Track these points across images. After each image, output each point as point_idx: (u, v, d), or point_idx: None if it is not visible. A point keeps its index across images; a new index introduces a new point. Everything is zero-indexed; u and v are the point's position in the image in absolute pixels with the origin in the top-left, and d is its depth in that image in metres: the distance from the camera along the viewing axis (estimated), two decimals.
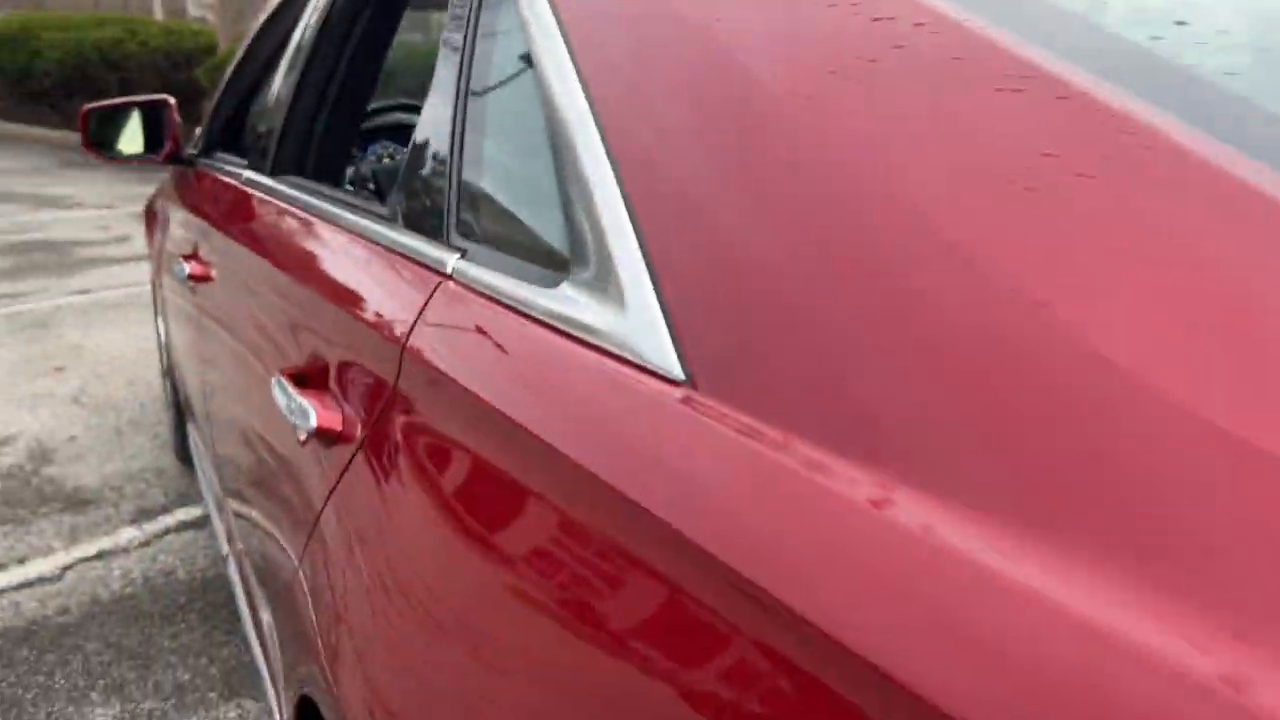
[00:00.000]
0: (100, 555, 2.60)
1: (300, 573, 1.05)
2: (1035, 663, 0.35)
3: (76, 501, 2.89)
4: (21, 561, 2.56)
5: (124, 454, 3.22)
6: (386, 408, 0.86)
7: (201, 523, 2.76)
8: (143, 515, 2.82)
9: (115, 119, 2.38)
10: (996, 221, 0.47)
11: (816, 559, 0.44)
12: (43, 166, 9.65)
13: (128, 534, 2.71)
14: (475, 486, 0.72)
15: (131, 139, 2.42)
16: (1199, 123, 0.47)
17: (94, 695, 2.04)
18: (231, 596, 2.03)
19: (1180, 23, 0.61)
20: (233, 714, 1.99)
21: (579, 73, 0.73)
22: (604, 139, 0.68)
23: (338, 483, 0.93)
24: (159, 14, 15.71)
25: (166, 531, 2.73)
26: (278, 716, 1.25)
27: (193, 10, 14.98)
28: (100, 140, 2.37)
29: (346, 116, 1.57)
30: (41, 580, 2.48)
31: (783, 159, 0.56)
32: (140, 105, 2.39)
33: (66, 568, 2.54)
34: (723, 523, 0.49)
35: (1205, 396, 0.37)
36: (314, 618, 0.97)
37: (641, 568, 0.53)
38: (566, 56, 0.75)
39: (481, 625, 0.67)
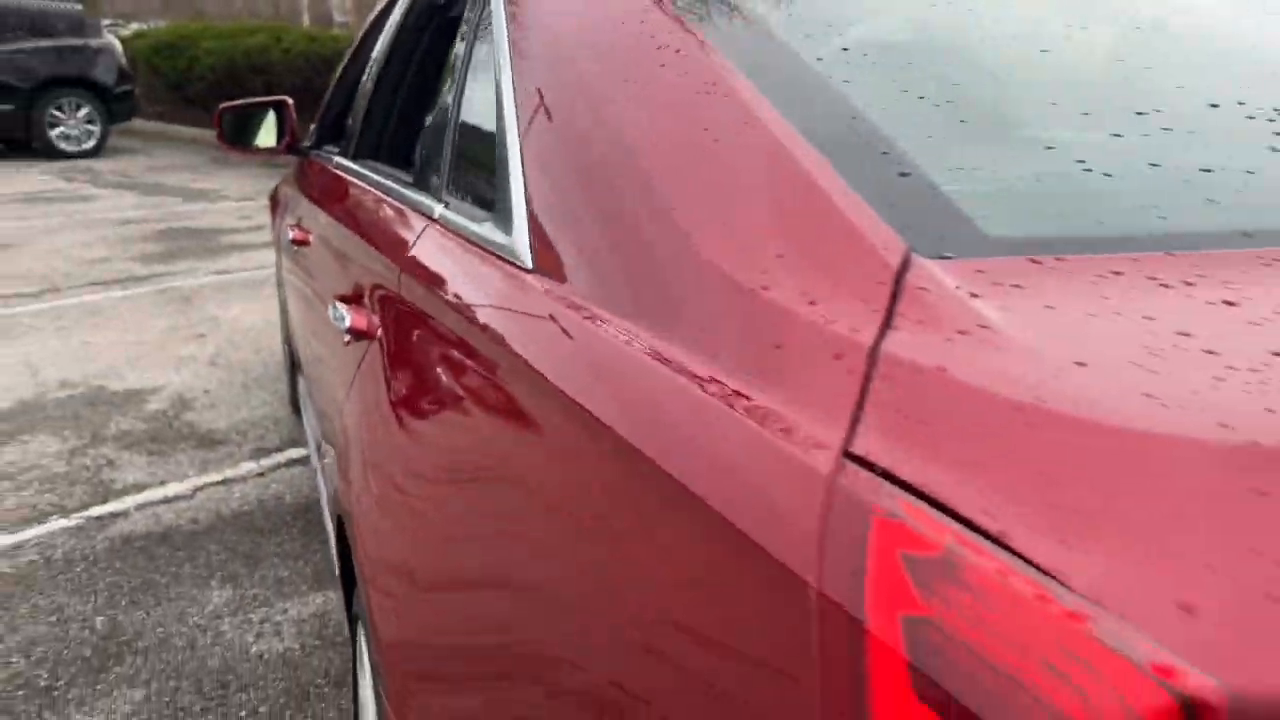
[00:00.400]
0: (224, 482, 3.11)
1: (339, 436, 1.46)
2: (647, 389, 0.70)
3: (208, 441, 3.42)
4: (162, 483, 3.09)
5: (249, 405, 3.75)
6: (391, 307, 1.26)
7: (306, 460, 3.24)
8: (260, 453, 3.32)
9: (244, 117, 2.87)
10: (671, 165, 0.82)
11: (576, 359, 0.80)
12: (195, 164, 10.57)
13: (247, 466, 3.22)
14: (431, 345, 1.11)
15: (257, 134, 2.91)
16: (791, 114, 0.81)
17: (213, 582, 2.53)
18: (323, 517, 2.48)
19: (845, 48, 0.95)
20: (319, 599, 2.44)
21: (515, 101, 1.10)
22: (520, 146, 1.05)
23: (359, 367, 1.34)
24: (306, 21, 16.71)
25: (279, 466, 3.23)
26: (331, 538, 1.67)
27: (338, 17, 15.94)
28: (232, 135, 2.86)
29: (410, 112, 1.99)
30: (177, 498, 3.00)
31: (592, 161, 0.93)
32: (265, 105, 2.87)
33: (197, 489, 3.05)
34: (535, 334, 0.86)
35: (731, 247, 0.72)
36: (342, 459, 1.38)
37: (494, 369, 0.91)
38: (510, 88, 1.13)
39: (419, 448, 1.06)
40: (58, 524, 2.83)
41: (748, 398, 0.62)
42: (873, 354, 0.58)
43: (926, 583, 0.47)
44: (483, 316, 0.98)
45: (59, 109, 10.81)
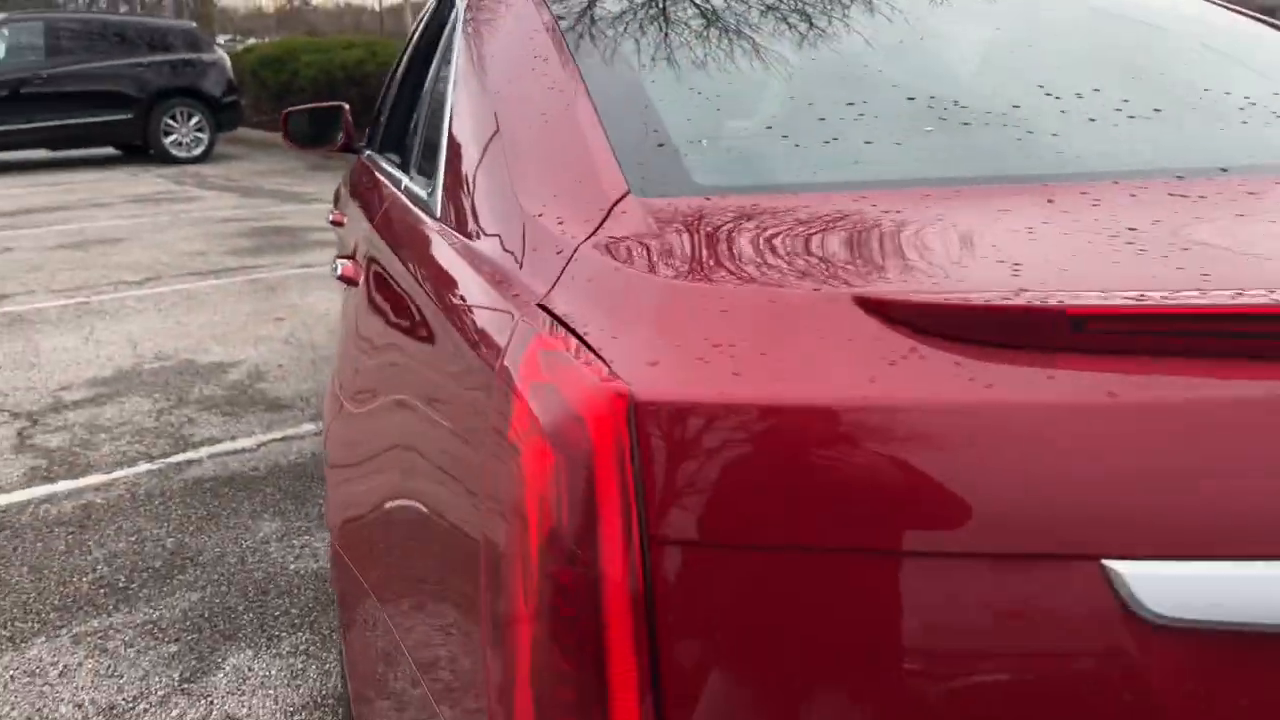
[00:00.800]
0: (285, 439, 3.55)
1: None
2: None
3: (275, 405, 3.88)
4: (233, 438, 3.55)
5: (315, 378, 4.21)
6: (366, 254, 1.64)
7: None
8: (319, 417, 3.76)
9: (307, 120, 3.31)
10: (516, 144, 1.17)
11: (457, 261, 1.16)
12: (293, 169, 11.27)
13: (306, 427, 3.66)
14: (378, 277, 1.48)
15: (321, 135, 3.34)
16: (603, 105, 1.15)
17: (265, 515, 2.96)
18: None
19: (666, 59, 1.28)
20: None
21: (452, 100, 1.47)
22: (450, 132, 1.41)
23: (343, 308, 1.72)
24: None
25: None
26: None
27: None
28: (295, 135, 3.30)
29: (408, 111, 2.37)
30: (244, 450, 3.45)
31: (476, 142, 1.28)
32: (324, 110, 3.30)
33: (261, 444, 3.50)
34: (428, 255, 1.22)
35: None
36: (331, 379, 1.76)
37: (402, 283, 1.28)
38: (452, 91, 1.49)
39: (359, 358, 1.43)
40: (143, 467, 3.31)
41: (507, 277, 0.97)
42: (575, 250, 0.93)
43: (550, 365, 0.81)
44: (405, 247, 1.35)
45: (172, 118, 11.65)
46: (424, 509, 1.03)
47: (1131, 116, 1.15)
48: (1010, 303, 0.72)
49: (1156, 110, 1.16)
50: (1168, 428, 0.68)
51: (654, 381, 0.73)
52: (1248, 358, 0.69)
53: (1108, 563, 0.67)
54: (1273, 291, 0.70)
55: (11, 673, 2.23)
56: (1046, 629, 0.69)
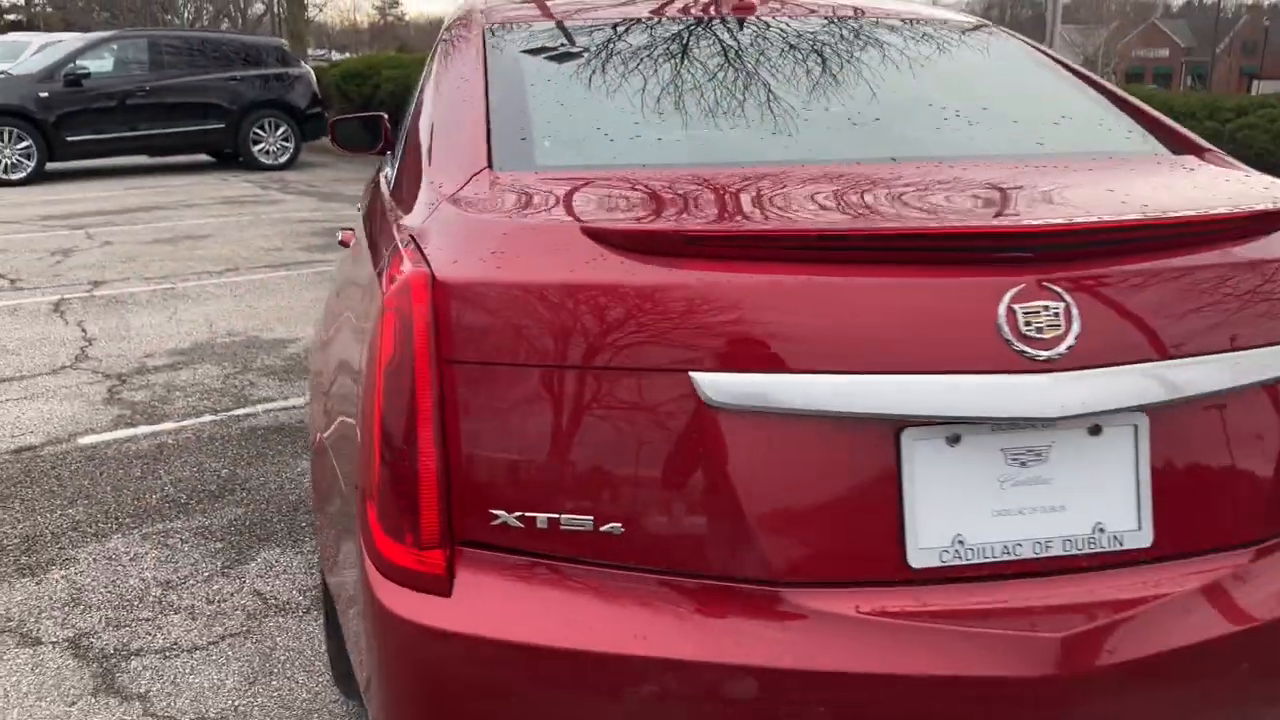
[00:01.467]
0: None
1: None
2: None
3: None
4: (286, 398, 4.15)
5: None
6: (356, 226, 2.18)
7: None
8: None
9: (356, 127, 3.89)
10: (437, 138, 1.70)
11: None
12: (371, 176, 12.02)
13: None
14: (355, 241, 2.02)
15: (364, 139, 3.92)
16: (494, 114, 1.66)
17: (305, 456, 3.53)
18: None
19: (548, 80, 1.79)
20: None
21: (416, 107, 2.00)
22: (410, 131, 1.95)
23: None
24: None
25: None
26: None
27: None
28: (342, 140, 3.88)
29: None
30: (292, 408, 4.04)
31: (416, 136, 1.81)
32: (367, 118, 3.88)
33: (308, 403, 4.09)
34: (381, 214, 1.76)
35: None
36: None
37: (363, 243, 1.81)
38: (418, 100, 2.02)
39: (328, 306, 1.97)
40: (208, 418, 3.92)
41: (405, 224, 1.49)
42: (441, 202, 1.45)
43: (400, 266, 1.32)
44: (370, 218, 1.89)
45: (261, 128, 12.53)
46: (347, 374, 1.56)
47: (855, 124, 1.62)
48: (649, 228, 1.22)
49: (876, 119, 1.64)
50: (727, 300, 1.17)
51: (449, 271, 1.25)
52: (786, 262, 1.18)
53: (692, 374, 1.17)
54: (809, 224, 1.19)
55: (94, 557, 2.82)
56: (660, 410, 1.18)
